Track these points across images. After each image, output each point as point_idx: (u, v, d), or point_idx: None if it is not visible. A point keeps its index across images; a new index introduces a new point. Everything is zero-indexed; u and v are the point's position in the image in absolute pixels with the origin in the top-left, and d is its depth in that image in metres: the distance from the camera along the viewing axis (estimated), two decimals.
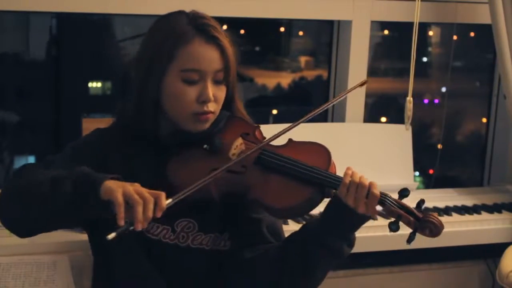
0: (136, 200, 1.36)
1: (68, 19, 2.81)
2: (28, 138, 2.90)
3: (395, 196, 1.58)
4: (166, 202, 1.40)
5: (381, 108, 3.29)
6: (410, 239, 1.54)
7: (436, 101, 3.28)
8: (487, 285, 2.83)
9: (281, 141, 1.65)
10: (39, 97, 2.87)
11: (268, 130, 1.73)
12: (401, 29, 3.17)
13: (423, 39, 3.27)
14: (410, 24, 2.67)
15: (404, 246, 2.41)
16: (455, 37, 3.08)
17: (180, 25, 1.61)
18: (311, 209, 1.58)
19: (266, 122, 3.02)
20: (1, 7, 2.40)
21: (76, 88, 2.91)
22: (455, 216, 2.60)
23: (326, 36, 3.00)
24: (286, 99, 3.23)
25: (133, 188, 1.39)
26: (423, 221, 1.54)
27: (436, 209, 2.63)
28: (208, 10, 1.69)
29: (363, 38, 2.81)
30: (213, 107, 1.62)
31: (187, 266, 1.67)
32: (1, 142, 2.89)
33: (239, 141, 1.65)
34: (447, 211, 2.62)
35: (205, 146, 1.64)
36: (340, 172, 1.61)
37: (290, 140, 1.68)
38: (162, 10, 1.90)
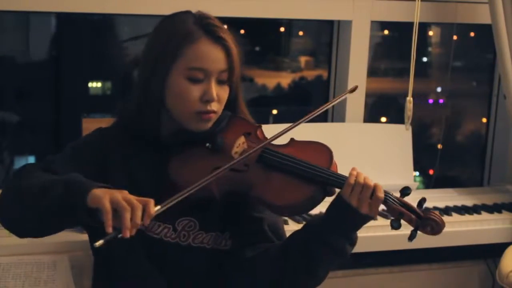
0: (123, 207, 1.35)
1: (68, 19, 2.81)
2: (28, 138, 2.90)
3: (397, 194, 1.60)
4: (155, 209, 1.39)
5: (381, 108, 3.29)
6: (412, 236, 1.56)
7: (441, 101, 3.27)
8: (487, 285, 2.83)
9: (281, 141, 1.66)
10: (39, 97, 2.88)
11: (268, 130, 1.73)
12: (401, 29, 3.17)
13: (423, 39, 3.27)
14: (410, 24, 2.67)
15: (404, 246, 2.43)
16: (455, 37, 3.08)
17: (187, 24, 1.62)
18: (313, 207, 1.59)
19: (266, 122, 3.01)
20: (1, 7, 2.40)
21: (76, 88, 2.91)
22: (455, 216, 2.60)
23: (326, 36, 3.00)
24: (286, 99, 3.23)
25: (121, 195, 1.38)
26: (425, 219, 1.56)
27: (436, 209, 2.63)
28: (208, 10, 1.69)
29: (363, 38, 2.81)
30: (216, 107, 1.63)
31: (188, 265, 1.67)
32: (1, 142, 2.89)
33: (242, 139, 1.66)
34: (447, 211, 2.62)
35: (207, 144, 1.64)
36: (340, 172, 1.61)
37: (292, 139, 1.69)
38: (162, 10, 1.90)
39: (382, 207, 1.58)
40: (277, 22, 3.09)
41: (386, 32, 3.28)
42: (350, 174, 1.56)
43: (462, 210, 2.64)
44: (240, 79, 1.70)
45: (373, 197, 1.54)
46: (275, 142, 1.63)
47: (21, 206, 1.49)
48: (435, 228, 1.56)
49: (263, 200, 1.58)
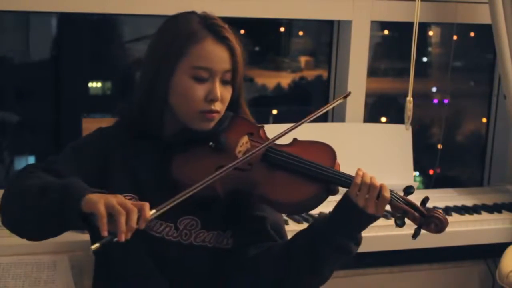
0: (118, 210, 1.35)
1: (68, 19, 2.81)
2: (28, 138, 2.90)
3: (400, 193, 1.61)
4: (150, 213, 1.38)
5: (381, 108, 3.29)
6: (416, 234, 1.58)
7: (446, 101, 3.27)
8: (487, 285, 2.83)
9: (283, 141, 1.66)
10: (39, 97, 2.88)
11: (268, 130, 1.74)
12: (401, 29, 3.17)
13: (423, 39, 3.27)
14: (410, 24, 2.67)
15: (404, 246, 2.43)
16: (455, 37, 3.08)
17: (192, 24, 1.63)
18: (317, 206, 1.60)
19: (266, 122, 3.01)
20: (1, 7, 2.40)
21: (76, 88, 2.91)
22: (455, 216, 2.60)
23: (326, 36, 3.01)
24: (286, 99, 3.23)
25: (116, 200, 1.37)
26: (428, 216, 1.57)
27: (436, 209, 2.63)
28: (208, 10, 1.70)
29: (363, 38, 2.81)
30: (219, 107, 1.64)
31: (190, 263, 1.67)
32: (1, 142, 2.89)
33: (245, 139, 1.67)
34: (447, 211, 2.62)
35: (210, 143, 1.65)
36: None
37: (295, 139, 1.70)
38: (162, 10, 1.91)
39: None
40: (277, 22, 3.09)
41: (386, 32, 3.28)
42: (357, 174, 1.57)
43: (462, 210, 2.65)
44: (243, 80, 1.71)
45: (380, 197, 1.55)
46: (277, 142, 1.63)
47: (21, 207, 1.49)
48: (439, 225, 1.57)
49: (267, 198, 1.59)
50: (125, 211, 1.35)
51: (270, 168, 1.61)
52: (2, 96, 2.83)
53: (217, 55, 1.61)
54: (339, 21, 2.87)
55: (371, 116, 3.07)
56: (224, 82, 1.64)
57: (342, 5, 2.76)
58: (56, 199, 1.42)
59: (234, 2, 2.60)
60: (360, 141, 2.72)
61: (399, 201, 1.58)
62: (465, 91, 3.45)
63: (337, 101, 1.75)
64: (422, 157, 3.21)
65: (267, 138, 1.69)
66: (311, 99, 3.26)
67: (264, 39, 3.13)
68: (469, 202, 2.75)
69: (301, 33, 3.25)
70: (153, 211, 1.39)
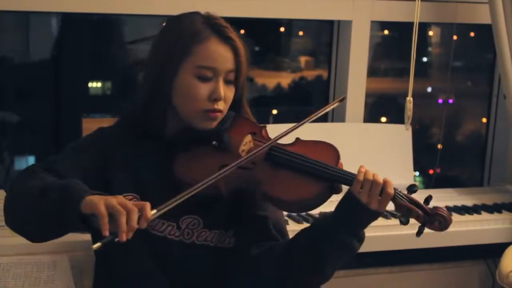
0: (118, 210, 1.35)
1: (68, 19, 2.81)
2: (28, 138, 2.90)
3: (404, 192, 1.62)
4: (151, 212, 1.38)
5: (381, 108, 3.29)
6: (419, 232, 1.59)
7: (451, 101, 3.27)
8: (487, 285, 2.83)
9: (285, 141, 1.67)
10: (39, 97, 2.88)
11: (268, 130, 1.74)
12: (401, 29, 3.17)
13: (423, 39, 3.28)
14: (410, 24, 2.67)
15: (404, 246, 2.43)
16: (455, 37, 3.08)
17: (195, 24, 1.64)
18: (320, 204, 1.60)
19: (266, 122, 3.01)
20: (1, 7, 2.40)
21: (76, 88, 2.91)
22: (455, 216, 2.60)
23: (326, 36, 3.01)
24: (286, 99, 3.23)
25: (116, 200, 1.37)
26: (432, 214, 1.59)
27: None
28: (208, 10, 1.70)
29: (363, 38, 2.81)
30: (222, 106, 1.65)
31: (192, 263, 1.67)
32: (1, 142, 2.89)
33: (249, 138, 1.68)
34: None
35: (213, 142, 1.65)
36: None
37: (297, 139, 1.71)
38: (163, 10, 1.91)
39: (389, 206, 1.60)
40: (277, 22, 3.09)
41: (386, 32, 3.28)
42: (359, 171, 1.58)
43: (462, 210, 2.64)
44: (246, 80, 1.72)
45: (383, 193, 1.56)
46: (279, 141, 1.64)
47: (22, 208, 1.50)
48: (443, 223, 1.59)
49: (271, 196, 1.59)
50: (126, 211, 1.35)
51: (274, 167, 1.62)
52: (2, 96, 2.83)
53: (221, 55, 1.62)
54: (339, 21, 2.87)
55: (371, 116, 3.07)
56: (227, 82, 1.65)
57: (342, 5, 2.76)
58: (56, 200, 1.42)
59: (234, 2, 2.60)
60: (360, 141, 2.72)
61: (403, 199, 1.59)
62: (465, 91, 3.45)
63: (332, 105, 1.76)
64: (422, 157, 3.21)
65: (269, 138, 1.69)
66: (311, 99, 3.26)
67: (264, 39, 3.13)
68: (469, 202, 2.75)
69: (301, 33, 3.25)
70: (154, 210, 1.39)
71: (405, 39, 2.81)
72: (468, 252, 2.65)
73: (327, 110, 1.73)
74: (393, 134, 2.77)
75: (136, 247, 1.61)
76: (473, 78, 3.45)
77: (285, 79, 3.19)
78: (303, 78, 3.19)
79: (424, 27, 3.20)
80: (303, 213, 2.40)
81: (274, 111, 3.17)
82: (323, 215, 1.68)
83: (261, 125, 1.74)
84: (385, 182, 1.57)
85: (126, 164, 1.65)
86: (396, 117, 2.94)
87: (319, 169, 1.59)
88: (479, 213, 2.65)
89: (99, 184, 1.57)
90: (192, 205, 1.55)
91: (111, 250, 1.43)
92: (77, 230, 1.48)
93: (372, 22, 2.83)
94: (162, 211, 1.41)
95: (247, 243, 1.66)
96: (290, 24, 3.14)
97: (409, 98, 2.68)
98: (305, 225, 2.28)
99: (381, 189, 1.56)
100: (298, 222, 2.37)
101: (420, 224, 1.59)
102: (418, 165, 3.09)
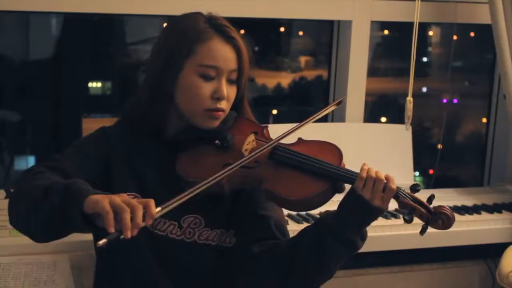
0: (123, 208, 1.34)
1: (68, 19, 2.81)
2: (28, 138, 2.91)
3: (407, 191, 1.62)
4: (156, 210, 1.38)
5: (381, 108, 3.29)
6: (423, 230, 1.59)
7: (455, 101, 3.28)
8: (487, 285, 2.83)
9: (286, 141, 1.67)
10: (39, 97, 2.88)
11: (269, 130, 1.74)
12: (401, 29, 3.17)
13: (423, 39, 3.28)
14: (410, 24, 2.67)
15: (404, 246, 2.43)
16: (455, 37, 3.08)
17: (199, 24, 1.65)
18: (323, 203, 1.61)
19: (266, 122, 3.02)
20: (1, 7, 2.40)
21: (76, 88, 2.92)
22: (455, 216, 2.59)
23: (326, 36, 3.01)
24: (286, 99, 3.23)
25: (120, 198, 1.37)
26: (436, 213, 1.59)
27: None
28: (209, 10, 1.70)
29: (363, 38, 2.81)
30: (225, 105, 1.65)
31: (193, 261, 1.67)
32: (1, 142, 2.89)
33: (252, 137, 1.68)
34: None
35: (216, 142, 1.66)
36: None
37: (300, 138, 1.71)
38: (163, 11, 1.91)
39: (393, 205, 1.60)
40: (277, 22, 3.10)
41: (386, 32, 3.29)
42: (362, 168, 1.58)
43: (462, 210, 2.64)
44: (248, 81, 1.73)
45: (386, 189, 1.56)
46: (282, 141, 1.65)
47: (26, 208, 1.49)
48: (446, 222, 1.59)
49: (274, 195, 1.59)
50: (130, 208, 1.35)
51: (277, 166, 1.62)
52: (3, 96, 2.83)
53: (224, 55, 1.63)
54: (339, 21, 2.87)
55: (371, 116, 3.07)
56: (230, 82, 1.66)
57: (342, 5, 2.76)
58: (59, 200, 1.42)
59: (234, 2, 2.60)
60: (360, 141, 2.72)
61: (407, 198, 1.59)
62: (465, 91, 3.45)
63: (330, 107, 1.77)
64: (422, 157, 3.21)
65: (271, 138, 1.70)
66: (311, 99, 3.26)
67: (264, 39, 3.14)
68: (469, 202, 2.75)
69: (301, 33, 3.25)
70: (159, 208, 1.39)
71: (405, 39, 2.81)
72: (468, 252, 2.65)
73: (322, 114, 1.73)
74: (393, 134, 2.77)
75: (137, 246, 1.62)
76: (473, 78, 3.46)
77: (285, 79, 3.19)
78: (303, 78, 3.19)
79: (424, 27, 3.20)
80: (303, 213, 2.41)
81: (274, 111, 3.17)
82: (326, 213, 1.67)
83: (263, 125, 1.74)
84: (387, 178, 1.57)
85: (128, 163, 1.66)
86: (396, 117, 2.95)
87: (323, 168, 1.60)
88: (479, 213, 2.64)
89: (101, 183, 1.57)
90: (193, 204, 1.55)
91: (113, 249, 1.43)
92: (81, 231, 1.48)
93: (372, 22, 2.83)
94: (167, 209, 1.41)
95: (248, 242, 1.66)
96: (290, 24, 3.14)
97: (409, 98, 2.68)
98: (305, 225, 2.28)
99: (384, 186, 1.56)
100: (298, 222, 2.37)
101: (423, 223, 1.59)
102: (418, 165, 3.09)
